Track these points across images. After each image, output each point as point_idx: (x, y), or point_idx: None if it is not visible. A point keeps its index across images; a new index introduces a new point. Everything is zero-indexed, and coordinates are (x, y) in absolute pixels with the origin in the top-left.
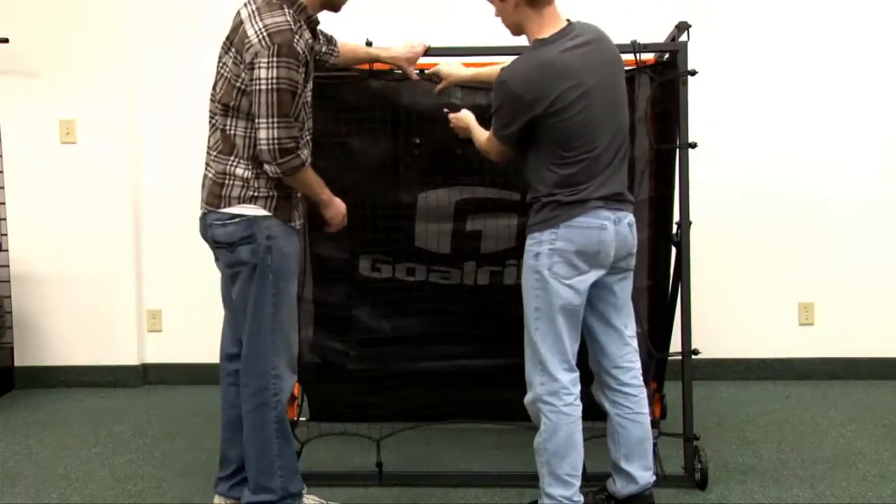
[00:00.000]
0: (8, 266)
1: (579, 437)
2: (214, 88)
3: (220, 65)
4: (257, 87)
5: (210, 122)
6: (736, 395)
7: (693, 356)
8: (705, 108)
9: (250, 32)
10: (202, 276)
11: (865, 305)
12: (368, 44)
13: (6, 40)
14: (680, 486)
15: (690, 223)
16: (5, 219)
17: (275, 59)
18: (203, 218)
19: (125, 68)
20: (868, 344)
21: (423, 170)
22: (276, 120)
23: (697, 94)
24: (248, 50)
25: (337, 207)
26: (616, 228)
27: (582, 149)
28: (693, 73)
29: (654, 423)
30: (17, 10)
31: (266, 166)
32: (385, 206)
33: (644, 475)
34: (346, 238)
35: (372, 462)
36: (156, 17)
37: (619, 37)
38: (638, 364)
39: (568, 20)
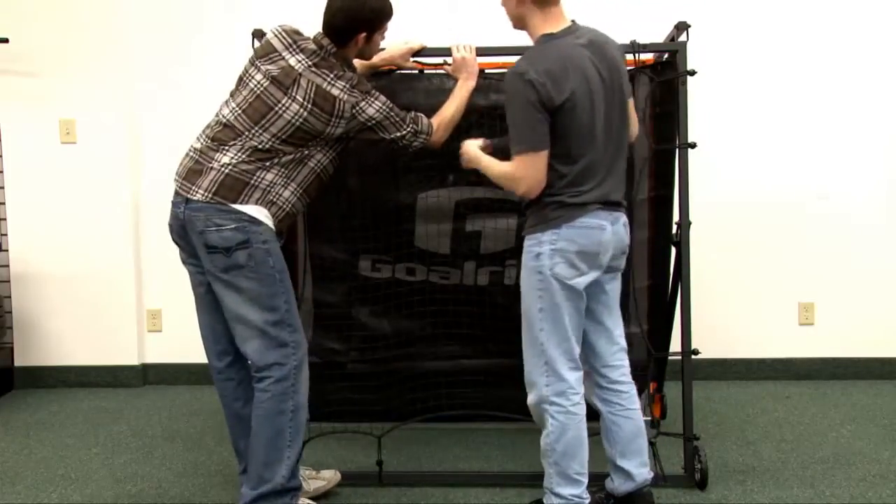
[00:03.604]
0: (8, 266)
1: (585, 434)
2: (261, 116)
3: (274, 101)
4: (377, 120)
5: (233, 126)
6: (736, 395)
7: (693, 356)
8: (705, 108)
9: (335, 92)
10: None
11: (865, 305)
12: None
13: (6, 40)
14: (680, 486)
15: (690, 223)
16: (5, 219)
17: (370, 98)
18: (194, 210)
19: (125, 68)
20: (868, 344)
21: (422, 170)
22: (403, 126)
23: (697, 94)
24: (342, 107)
25: (472, 84)
26: (613, 229)
27: (586, 147)
28: (692, 73)
29: (654, 424)
30: (17, 10)
31: (419, 142)
32: (385, 207)
33: (641, 472)
34: (346, 238)
35: (372, 462)
36: (155, 17)
37: (619, 37)
38: (626, 361)
39: (572, 21)
